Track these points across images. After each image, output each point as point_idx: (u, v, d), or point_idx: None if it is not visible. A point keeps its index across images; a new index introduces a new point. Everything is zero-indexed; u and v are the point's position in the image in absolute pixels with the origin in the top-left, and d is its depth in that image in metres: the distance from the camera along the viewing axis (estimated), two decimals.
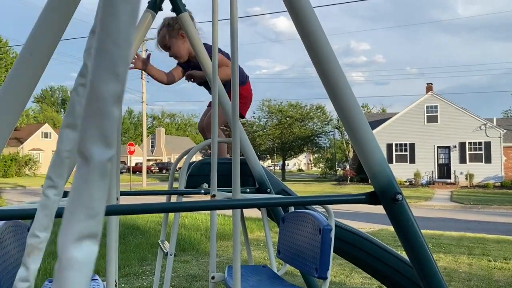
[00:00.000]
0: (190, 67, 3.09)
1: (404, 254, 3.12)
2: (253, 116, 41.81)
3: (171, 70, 3.19)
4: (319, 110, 42.02)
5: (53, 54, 1.37)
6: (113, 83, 0.33)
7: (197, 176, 2.86)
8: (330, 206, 1.76)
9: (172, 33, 3.02)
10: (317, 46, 1.19)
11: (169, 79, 3.14)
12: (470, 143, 29.91)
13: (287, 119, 40.25)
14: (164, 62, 3.37)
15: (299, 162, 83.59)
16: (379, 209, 1.44)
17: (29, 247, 0.51)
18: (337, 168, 46.97)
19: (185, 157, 2.99)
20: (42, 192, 0.52)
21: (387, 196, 1.28)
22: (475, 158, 29.76)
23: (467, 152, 30.00)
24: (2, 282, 1.63)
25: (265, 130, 41.34)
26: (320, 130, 42.68)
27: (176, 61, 3.20)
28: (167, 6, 2.66)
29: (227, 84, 3.14)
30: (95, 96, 0.34)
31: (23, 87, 1.28)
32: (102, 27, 0.34)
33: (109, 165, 0.35)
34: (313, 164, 77.76)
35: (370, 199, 1.32)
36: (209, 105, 3.52)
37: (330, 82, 1.22)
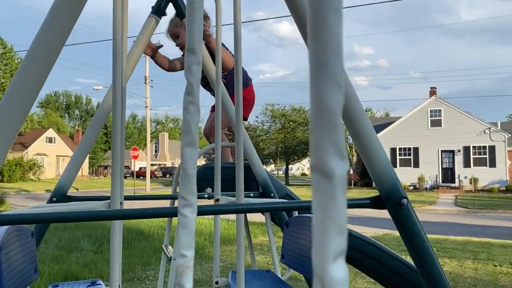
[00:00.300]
0: None
1: (409, 259, 3.09)
2: (256, 121, 41.85)
3: (173, 59, 3.22)
4: None
5: (57, 59, 1.38)
6: (338, 95, 0.33)
7: (201, 180, 2.86)
8: None
9: (184, 23, 3.06)
10: None
11: (170, 66, 3.16)
12: (474, 147, 29.80)
13: (291, 123, 40.23)
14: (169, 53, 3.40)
15: (302, 166, 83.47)
16: (383, 213, 1.43)
17: (180, 268, 0.52)
18: None
19: None
20: (179, 212, 0.53)
21: (392, 200, 1.27)
22: (480, 162, 29.63)
23: (472, 156, 29.88)
24: (8, 285, 1.63)
25: (268, 135, 41.33)
26: None
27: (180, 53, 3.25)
28: (170, 10, 2.67)
29: (228, 76, 3.15)
30: (324, 110, 0.34)
31: (28, 92, 1.29)
32: (318, 40, 0.34)
33: (346, 179, 0.36)
34: None
35: (375, 203, 1.31)
36: (212, 109, 3.53)
37: None
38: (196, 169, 0.54)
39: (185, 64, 0.55)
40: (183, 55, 3.22)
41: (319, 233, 0.34)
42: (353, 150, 38.58)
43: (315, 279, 0.34)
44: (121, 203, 1.69)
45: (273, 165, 56.75)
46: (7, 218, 1.30)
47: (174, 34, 3.08)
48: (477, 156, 29.82)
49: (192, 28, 0.53)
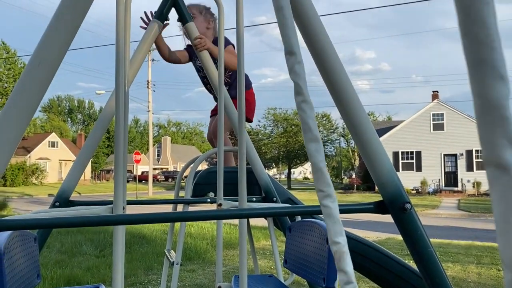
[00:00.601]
0: (197, 58, 3.02)
1: (412, 263, 3.08)
2: (258, 125, 41.85)
3: (175, 50, 3.14)
4: (324, 118, 42.00)
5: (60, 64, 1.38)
6: (502, 88, 0.33)
7: (203, 185, 2.86)
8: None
9: (201, 15, 3.04)
10: (323, 55, 1.19)
11: (171, 56, 3.06)
12: (477, 150, 29.72)
13: (293, 127, 40.24)
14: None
15: (304, 170, 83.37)
16: (386, 217, 1.43)
17: (337, 254, 0.55)
18: (343, 177, 46.80)
19: (191, 165, 2.98)
20: (321, 204, 0.56)
21: (395, 205, 1.26)
22: (483, 166, 29.36)
23: (474, 160, 29.80)
24: None
25: (270, 139, 41.34)
26: (325, 138, 42.60)
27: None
28: (173, 15, 2.68)
29: (232, 76, 3.14)
30: (491, 106, 0.34)
31: (32, 96, 1.29)
32: (472, 36, 0.34)
33: None
34: None
35: (378, 208, 1.31)
36: (212, 114, 3.52)
37: (337, 91, 1.22)
38: (323, 162, 0.56)
39: (287, 66, 0.57)
40: (185, 49, 3.15)
41: (504, 225, 0.34)
42: (356, 154, 38.55)
43: (505, 270, 0.34)
44: (123, 208, 1.69)
45: (275, 169, 56.74)
46: (10, 224, 1.30)
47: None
48: (480, 159, 29.72)
49: (286, 32, 0.55)
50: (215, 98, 3.09)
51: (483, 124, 0.34)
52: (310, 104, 0.57)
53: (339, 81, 1.20)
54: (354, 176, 37.63)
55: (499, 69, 0.34)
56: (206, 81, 3.11)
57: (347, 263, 0.55)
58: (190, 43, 2.96)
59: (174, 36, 3.36)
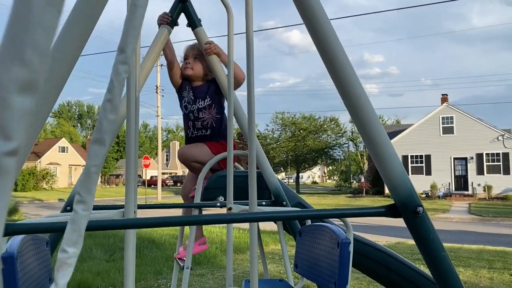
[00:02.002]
0: (189, 87, 2.99)
1: (423, 268, 3.05)
2: (267, 129, 41.86)
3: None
4: (333, 122, 41.88)
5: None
6: (17, 69, 0.31)
7: (213, 189, 2.86)
8: (348, 219, 1.74)
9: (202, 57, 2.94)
10: (334, 58, 1.19)
11: (171, 62, 2.94)
12: (487, 154, 29.42)
13: (301, 131, 40.18)
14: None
15: (313, 174, 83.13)
16: (396, 222, 1.41)
17: (58, 262, 0.52)
18: (352, 181, 46.57)
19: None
20: (73, 207, 0.53)
21: (407, 209, 1.25)
22: (493, 170, 29.22)
23: (485, 164, 29.49)
24: None
25: (278, 143, 41.30)
26: (334, 142, 42.46)
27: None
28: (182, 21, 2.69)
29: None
30: None
31: (46, 101, 1.30)
32: (12, 10, 0.32)
33: (8, 161, 0.32)
34: (327, 177, 77.25)
35: (390, 212, 1.30)
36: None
37: (347, 94, 1.21)
38: (95, 168, 0.54)
39: (114, 61, 0.55)
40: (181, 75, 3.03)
41: None
42: (364, 158, 38.35)
43: None
44: (134, 212, 1.70)
45: (283, 173, 56.65)
46: (23, 228, 1.31)
47: (196, 56, 2.96)
48: (490, 163, 29.43)
49: (129, 30, 0.53)
50: (189, 140, 3.02)
51: None
52: (115, 106, 0.54)
53: (349, 84, 1.20)
54: (363, 180, 37.43)
55: (24, 52, 0.31)
56: (190, 116, 2.97)
57: (63, 276, 0.51)
58: (185, 72, 2.95)
59: (180, 42, 3.35)
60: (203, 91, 2.94)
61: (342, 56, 1.20)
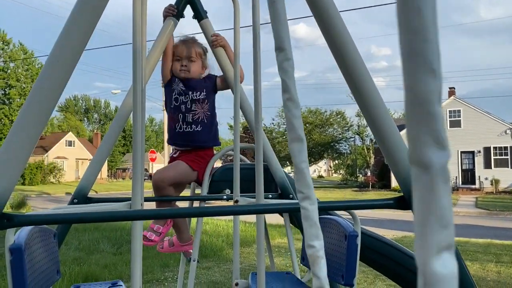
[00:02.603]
0: (178, 80, 2.79)
1: None
2: (272, 123, 41.83)
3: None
4: (339, 116, 41.75)
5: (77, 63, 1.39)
6: (431, 82, 0.32)
7: (220, 181, 2.86)
8: (356, 212, 1.73)
9: (200, 59, 2.80)
10: (343, 48, 1.17)
11: (169, 55, 2.74)
12: (495, 147, 29.21)
13: (307, 125, 40.11)
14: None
15: (319, 168, 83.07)
16: (402, 216, 1.40)
17: (311, 258, 0.54)
18: (358, 175, 46.49)
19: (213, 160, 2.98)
20: (300, 205, 0.55)
21: None
22: (501, 163, 29.03)
23: (492, 157, 29.30)
24: (31, 286, 1.65)
25: (284, 137, 41.25)
26: (340, 136, 42.35)
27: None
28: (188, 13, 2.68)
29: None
30: (418, 100, 0.32)
31: (50, 94, 1.30)
32: (407, 26, 0.32)
33: (448, 168, 0.33)
34: (333, 171, 77.16)
35: (398, 204, 1.28)
36: (171, 160, 2.89)
37: (356, 85, 1.20)
38: (304, 163, 0.55)
39: (277, 62, 0.56)
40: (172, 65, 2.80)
41: (420, 227, 0.33)
42: (371, 151, 38.23)
43: (418, 274, 0.33)
44: (141, 204, 1.70)
45: (289, 168, 56.67)
46: (32, 219, 1.31)
47: (190, 57, 2.77)
48: (498, 157, 29.23)
49: (277, 27, 0.54)
50: (176, 135, 2.76)
51: (411, 120, 0.33)
52: (296, 103, 0.56)
53: (359, 76, 1.19)
54: (369, 174, 37.35)
55: (432, 62, 0.32)
56: (181, 108, 2.76)
57: (321, 268, 0.53)
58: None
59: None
60: (198, 85, 2.77)
61: (350, 47, 1.18)
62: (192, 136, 2.72)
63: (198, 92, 2.76)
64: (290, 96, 0.55)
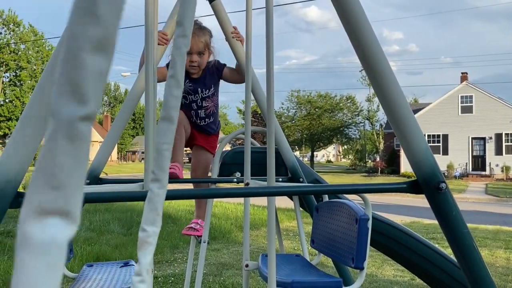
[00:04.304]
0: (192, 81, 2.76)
1: (441, 247, 3.03)
2: (282, 107, 41.68)
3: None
4: (349, 101, 41.44)
5: None
6: (90, 26, 0.29)
7: (230, 164, 2.87)
8: (368, 196, 1.73)
9: (208, 51, 2.75)
10: (359, 31, 1.16)
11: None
12: (507, 134, 28.88)
13: (316, 110, 39.89)
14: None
15: (328, 153, 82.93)
16: (411, 201, 1.39)
17: (140, 242, 0.53)
18: (367, 160, 46.34)
19: (218, 145, 2.99)
20: (148, 187, 0.55)
21: (430, 185, 1.23)
22: None
23: (504, 144, 28.99)
24: None
25: (293, 121, 41.13)
26: (350, 121, 42.11)
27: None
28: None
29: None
30: (69, 43, 0.29)
31: None
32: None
33: (82, 126, 0.29)
34: (342, 156, 77.00)
35: (412, 188, 1.28)
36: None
37: (373, 68, 1.18)
38: (166, 145, 0.53)
39: (174, 36, 0.54)
40: (167, 65, 2.71)
41: (30, 183, 0.29)
42: (380, 137, 38.02)
43: (17, 235, 0.29)
44: None
45: (298, 152, 56.67)
46: None
47: (199, 51, 2.69)
48: (509, 143, 28.92)
49: (183, 2, 0.52)
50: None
51: (61, 63, 0.29)
52: (178, 82, 0.53)
53: (375, 58, 1.17)
54: (378, 159, 37.21)
55: (97, 7, 0.29)
56: (193, 106, 2.78)
57: (145, 254, 0.51)
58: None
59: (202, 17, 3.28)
60: (207, 82, 2.76)
61: (368, 30, 1.16)
62: (205, 127, 2.86)
63: (207, 90, 2.77)
64: (174, 73, 0.52)
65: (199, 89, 2.76)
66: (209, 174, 2.94)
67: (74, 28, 0.29)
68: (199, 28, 2.74)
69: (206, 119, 2.85)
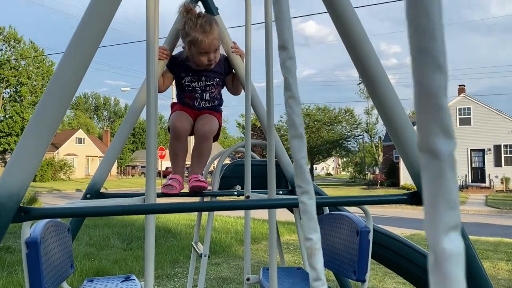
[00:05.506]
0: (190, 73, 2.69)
1: None
2: (281, 120, 41.75)
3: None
4: (347, 114, 41.56)
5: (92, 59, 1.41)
6: (438, 77, 0.35)
7: (230, 177, 2.87)
8: (369, 209, 1.73)
9: (219, 45, 2.74)
10: (358, 45, 1.18)
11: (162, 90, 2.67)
12: (505, 145, 28.92)
13: (315, 123, 39.98)
14: None
15: (327, 166, 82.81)
16: (411, 213, 1.39)
17: (309, 250, 0.57)
18: (366, 172, 46.28)
19: (217, 159, 3.00)
20: (299, 200, 0.58)
21: None
22: (511, 162, 28.75)
23: (503, 155, 29.01)
24: (46, 279, 1.67)
25: None
26: (348, 133, 42.18)
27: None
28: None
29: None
30: (426, 93, 0.35)
31: (65, 91, 1.32)
32: (415, 26, 0.35)
33: (455, 156, 0.37)
34: (341, 168, 76.87)
35: (412, 199, 1.28)
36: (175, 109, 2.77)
37: (371, 79, 1.20)
38: (304, 159, 0.58)
39: (279, 60, 0.59)
40: (167, 67, 2.65)
41: (430, 209, 0.36)
42: (379, 149, 38.04)
43: (429, 252, 0.36)
44: (155, 199, 1.71)
45: None
46: (49, 212, 1.33)
47: (216, 48, 2.59)
48: (508, 155, 28.93)
49: (281, 26, 0.56)
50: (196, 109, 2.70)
51: (420, 112, 0.36)
52: (297, 100, 0.58)
53: (374, 71, 1.19)
54: (377, 172, 37.17)
55: (439, 59, 0.35)
56: (197, 90, 2.70)
57: (318, 260, 0.56)
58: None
59: None
60: (211, 75, 2.69)
61: (365, 41, 1.18)
62: (211, 109, 2.73)
63: (214, 79, 2.70)
64: (292, 94, 0.58)
65: (203, 77, 2.69)
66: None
67: (431, 83, 0.36)
68: (210, 26, 2.57)
69: (211, 102, 2.71)
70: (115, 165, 54.56)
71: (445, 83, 0.35)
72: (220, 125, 2.76)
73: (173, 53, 2.66)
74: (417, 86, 0.36)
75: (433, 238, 0.35)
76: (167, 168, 53.82)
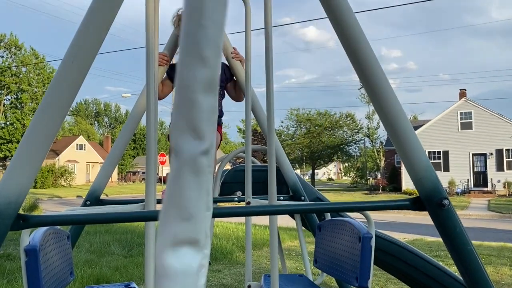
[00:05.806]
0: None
1: (447, 266, 2.99)
2: (281, 125, 41.78)
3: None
4: (348, 118, 41.56)
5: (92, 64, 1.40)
6: (198, 69, 0.31)
7: (231, 183, 2.86)
8: (370, 214, 1.72)
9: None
10: (358, 50, 1.17)
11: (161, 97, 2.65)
12: (507, 150, 28.85)
13: (316, 127, 39.96)
14: None
15: (328, 171, 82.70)
16: (413, 219, 1.38)
17: None
18: (368, 177, 46.21)
19: (218, 165, 2.99)
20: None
21: (433, 201, 1.23)
22: None
23: (505, 160, 28.93)
24: (46, 287, 1.66)
25: (293, 139, 41.15)
26: (350, 138, 42.15)
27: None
28: None
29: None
30: (183, 86, 0.31)
31: (64, 97, 1.31)
32: (189, 6, 0.31)
33: (203, 160, 0.31)
34: (343, 173, 76.77)
35: (414, 205, 1.27)
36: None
37: (373, 86, 1.19)
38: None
39: None
40: (167, 73, 2.63)
41: (162, 215, 0.31)
42: (381, 154, 37.98)
43: (155, 265, 0.30)
44: (155, 205, 1.70)
45: (298, 170, 56.53)
46: (47, 219, 1.32)
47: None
48: (511, 159, 28.86)
49: None
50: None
51: (175, 105, 0.32)
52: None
53: (374, 76, 1.18)
54: (379, 177, 37.09)
55: (203, 50, 0.31)
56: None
57: None
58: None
59: None
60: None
61: (366, 47, 1.18)
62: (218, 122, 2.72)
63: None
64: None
65: None
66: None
67: (186, 73, 0.31)
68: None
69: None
70: (116, 171, 54.55)
71: (207, 77, 0.31)
72: (221, 139, 2.77)
73: (173, 61, 2.67)
74: (178, 75, 0.31)
75: (159, 250, 0.30)
76: (167, 174, 53.79)
